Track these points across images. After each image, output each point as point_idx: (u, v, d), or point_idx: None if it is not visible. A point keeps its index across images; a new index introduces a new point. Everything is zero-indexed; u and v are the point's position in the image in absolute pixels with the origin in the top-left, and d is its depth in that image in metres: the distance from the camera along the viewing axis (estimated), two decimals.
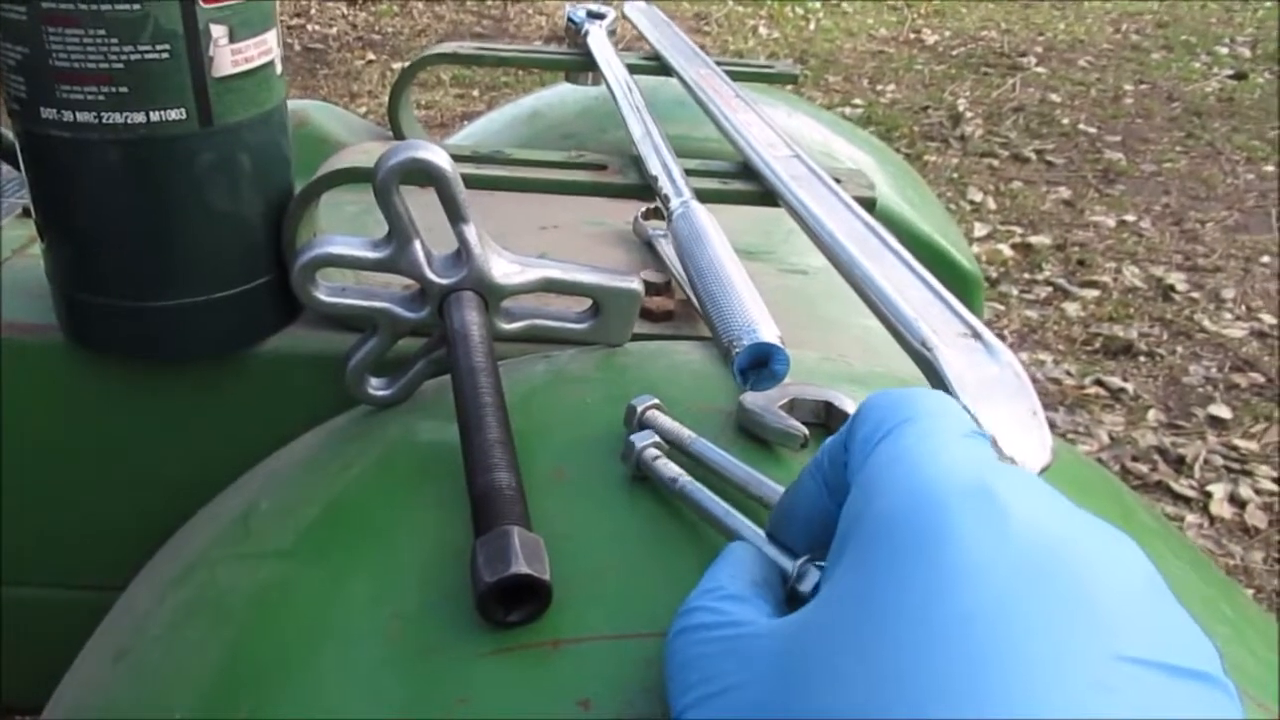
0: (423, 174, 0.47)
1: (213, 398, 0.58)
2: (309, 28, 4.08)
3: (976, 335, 0.37)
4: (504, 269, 0.50)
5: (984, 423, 0.34)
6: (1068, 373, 1.98)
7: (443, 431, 0.49)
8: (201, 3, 0.48)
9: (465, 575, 0.37)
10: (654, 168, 0.53)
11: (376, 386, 0.52)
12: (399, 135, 0.79)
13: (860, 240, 0.44)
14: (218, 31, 0.49)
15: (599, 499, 0.41)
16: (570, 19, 0.84)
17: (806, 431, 0.41)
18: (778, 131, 0.59)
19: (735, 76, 0.76)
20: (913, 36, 4.21)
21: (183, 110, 0.49)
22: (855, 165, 0.93)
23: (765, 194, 0.54)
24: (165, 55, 0.48)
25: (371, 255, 0.49)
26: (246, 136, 0.52)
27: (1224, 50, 3.93)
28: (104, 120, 0.48)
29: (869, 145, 1.01)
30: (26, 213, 0.72)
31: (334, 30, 4.09)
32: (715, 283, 0.40)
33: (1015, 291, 2.27)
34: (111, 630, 0.48)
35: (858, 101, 3.46)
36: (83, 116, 0.48)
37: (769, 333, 0.35)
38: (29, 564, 0.61)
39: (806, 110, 0.98)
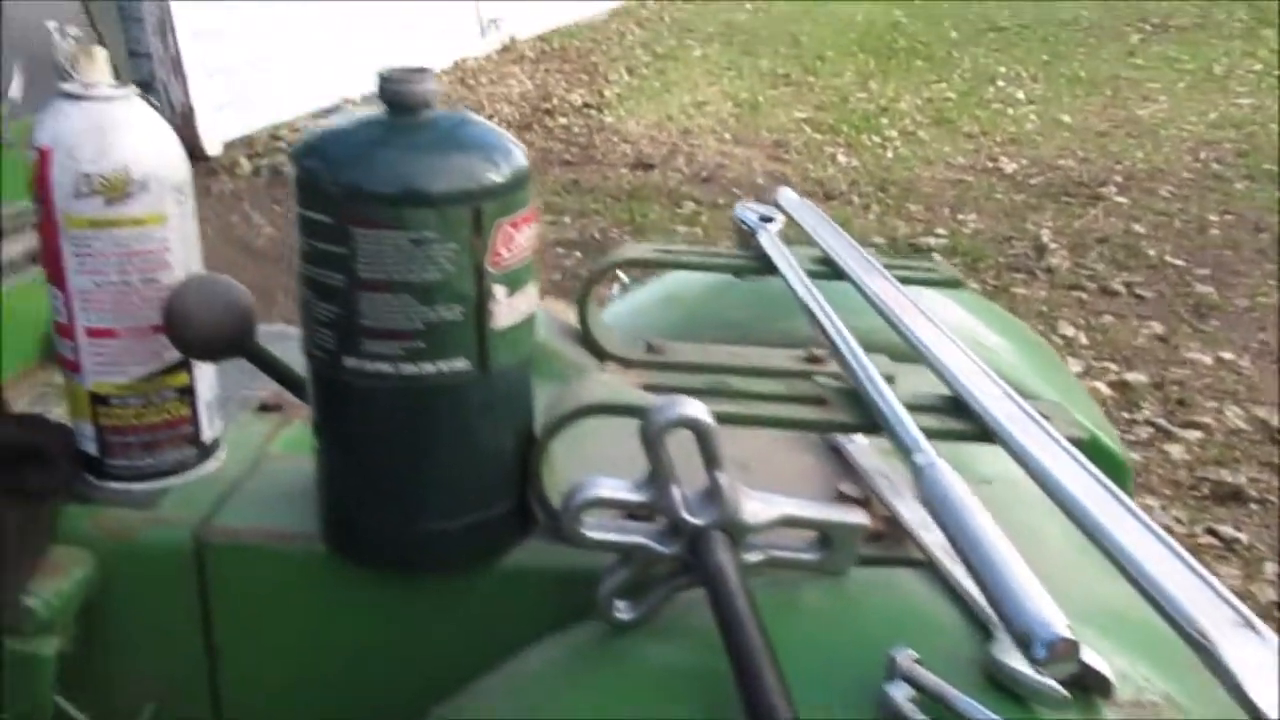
0: (688, 427, 0.52)
1: (452, 607, 0.63)
2: None
3: (1249, 624, 0.40)
4: (751, 509, 0.54)
5: (1268, 713, 0.37)
6: (1177, 520, 1.96)
7: (692, 658, 0.53)
8: (490, 267, 0.54)
9: None
10: (880, 409, 0.57)
11: (621, 609, 0.56)
12: (587, 333, 0.84)
13: (1101, 503, 0.48)
14: (500, 291, 0.55)
15: None
16: (742, 220, 0.90)
17: (1067, 694, 0.44)
18: (979, 363, 0.63)
19: (900, 280, 0.81)
20: (990, 165, 4.28)
21: (467, 361, 0.55)
22: (996, 352, 0.97)
23: (982, 433, 0.58)
24: (458, 315, 0.54)
25: (634, 498, 0.53)
26: (512, 378, 0.58)
27: None
28: (400, 370, 0.54)
29: (1010, 329, 1.05)
30: (264, 407, 0.78)
31: None
32: (991, 560, 0.43)
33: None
34: None
35: (940, 231, 3.52)
36: (382, 367, 0.54)
37: (1062, 626, 0.39)
38: None
39: (950, 296, 1.02)
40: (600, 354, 0.86)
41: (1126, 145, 4.46)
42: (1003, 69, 5.80)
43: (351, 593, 0.63)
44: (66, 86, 0.62)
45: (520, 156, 0.56)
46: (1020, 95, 5.28)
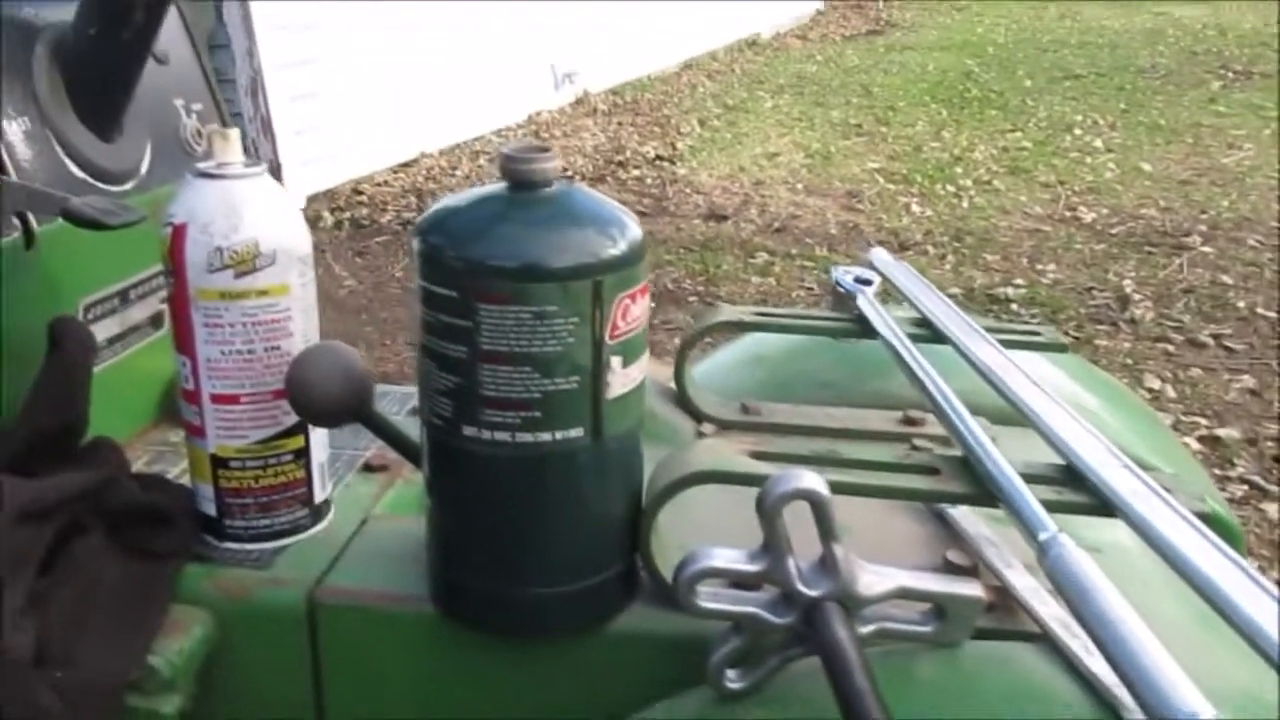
0: (804, 499, 0.52)
1: (560, 672, 0.63)
2: None
3: None
4: (866, 580, 0.54)
5: None
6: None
7: None
8: (607, 339, 0.55)
9: None
10: (997, 481, 0.57)
11: (732, 678, 0.56)
12: (683, 393, 0.85)
13: (1236, 583, 0.47)
14: (615, 361, 0.56)
15: None
16: (838, 283, 0.90)
17: None
18: (1094, 432, 0.62)
19: (1003, 344, 0.80)
20: (1068, 214, 4.22)
21: (581, 429, 0.56)
22: (1103, 419, 0.95)
23: (1101, 505, 0.57)
24: (575, 385, 0.55)
25: (749, 568, 0.54)
26: (623, 444, 0.59)
27: None
28: (517, 439, 0.56)
29: (1117, 395, 1.03)
30: (369, 467, 0.80)
31: None
32: (1128, 643, 0.43)
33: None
34: None
35: (1019, 281, 3.47)
36: (500, 436, 0.56)
37: (1208, 713, 0.38)
38: None
39: (1052, 360, 1.01)
40: (696, 415, 0.86)
41: (1211, 194, 4.36)
42: (1079, 118, 5.74)
43: (460, 655, 0.64)
44: (201, 165, 0.65)
45: (636, 230, 0.57)
46: (1098, 144, 5.21)
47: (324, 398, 0.64)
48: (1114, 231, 3.97)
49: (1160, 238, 3.85)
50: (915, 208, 4.36)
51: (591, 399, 0.56)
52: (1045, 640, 0.58)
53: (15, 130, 0.69)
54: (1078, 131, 5.48)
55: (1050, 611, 0.58)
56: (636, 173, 4.89)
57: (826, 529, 0.53)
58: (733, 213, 4.31)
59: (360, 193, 4.49)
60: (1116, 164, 4.85)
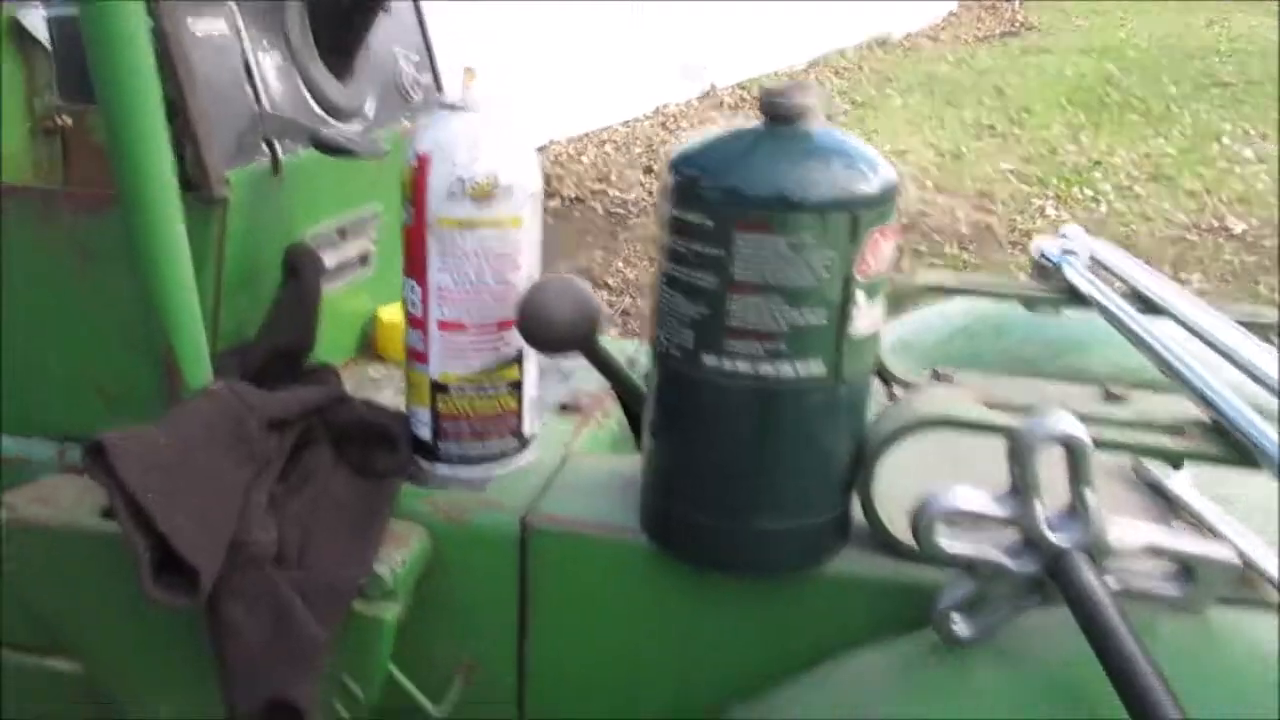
0: (1064, 444, 0.51)
1: (766, 608, 0.64)
2: (610, 193, 4.41)
3: None
4: (1116, 533, 0.52)
5: None
6: None
7: (1041, 678, 0.52)
8: (857, 275, 0.55)
9: None
10: (1262, 445, 0.54)
11: (959, 625, 0.55)
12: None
13: None
14: (861, 298, 0.56)
15: None
16: (1043, 255, 0.88)
17: None
18: None
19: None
20: (1215, 224, 4.04)
21: (823, 365, 0.56)
22: None
23: None
24: (822, 320, 0.55)
25: (994, 512, 0.53)
26: (856, 386, 0.59)
27: None
28: (757, 370, 0.56)
29: None
30: (564, 408, 0.82)
31: (632, 196, 4.39)
32: None
33: None
34: None
35: None
36: (741, 366, 0.56)
37: None
38: None
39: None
40: (886, 378, 0.85)
41: None
42: (1228, 126, 5.48)
43: (670, 587, 0.65)
44: (446, 99, 0.67)
45: (890, 170, 0.57)
46: (1249, 153, 4.97)
47: (556, 323, 0.65)
48: (1266, 243, 3.78)
49: None
50: (1051, 211, 4.23)
51: (836, 335, 0.56)
52: None
53: (268, 64, 0.72)
54: (1226, 140, 5.23)
55: None
56: None
57: (1082, 476, 0.52)
58: None
59: None
60: (1269, 174, 4.62)
